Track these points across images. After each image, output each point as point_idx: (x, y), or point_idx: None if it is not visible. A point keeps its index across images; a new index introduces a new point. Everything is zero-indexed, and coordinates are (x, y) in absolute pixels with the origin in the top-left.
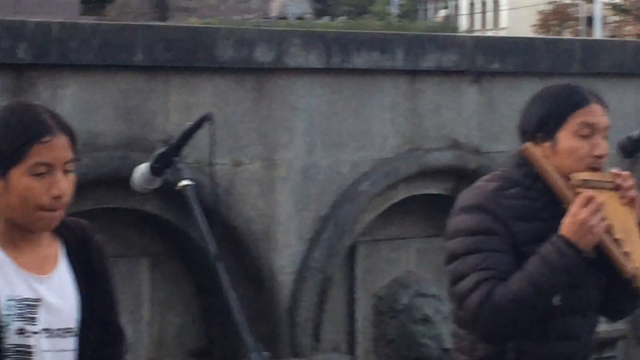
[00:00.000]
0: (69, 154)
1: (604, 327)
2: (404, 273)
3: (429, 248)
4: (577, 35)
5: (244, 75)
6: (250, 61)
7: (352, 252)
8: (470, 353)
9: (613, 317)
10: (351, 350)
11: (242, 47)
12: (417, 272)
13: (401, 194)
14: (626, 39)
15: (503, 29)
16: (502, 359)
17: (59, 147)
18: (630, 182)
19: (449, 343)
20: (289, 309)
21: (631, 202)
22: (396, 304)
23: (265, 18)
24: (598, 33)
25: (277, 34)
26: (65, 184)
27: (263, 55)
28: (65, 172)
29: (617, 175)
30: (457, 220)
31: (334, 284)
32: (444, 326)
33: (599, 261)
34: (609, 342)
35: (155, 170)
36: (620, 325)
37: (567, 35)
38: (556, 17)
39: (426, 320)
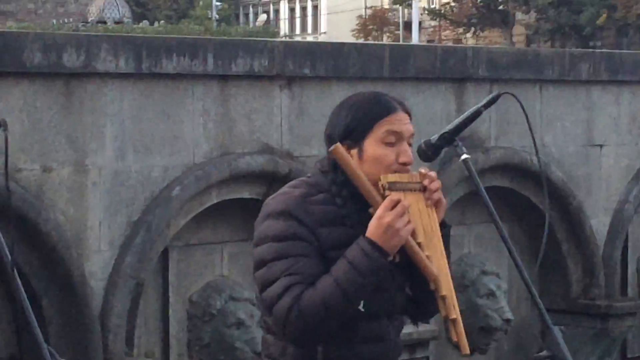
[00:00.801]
0: None
1: (416, 329)
2: (217, 277)
3: (242, 252)
4: (395, 40)
5: (53, 80)
6: (59, 66)
7: (164, 257)
8: (280, 358)
9: (419, 319)
10: (165, 355)
11: (51, 51)
12: (231, 276)
13: (213, 198)
14: (444, 43)
15: (323, 33)
16: None
17: None
18: (436, 184)
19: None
20: (101, 315)
21: (436, 204)
22: (210, 309)
23: (84, 22)
24: (416, 38)
25: (86, 39)
26: None
27: (72, 60)
28: None
29: (424, 176)
30: (263, 227)
31: (146, 290)
32: (258, 330)
33: (403, 264)
34: (421, 343)
35: None
36: (431, 327)
37: (386, 39)
38: (375, 22)
39: (240, 324)
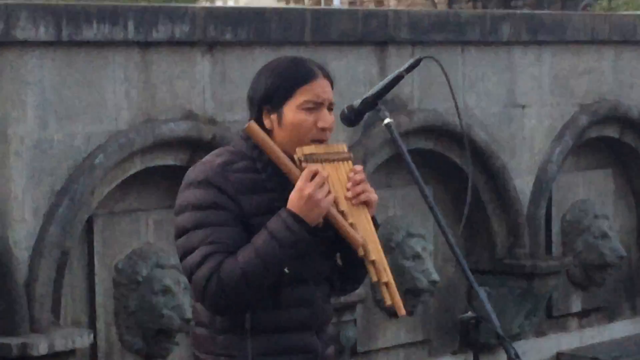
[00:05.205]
0: None
1: None
2: (143, 245)
3: (167, 219)
4: (317, 4)
5: None
6: None
7: (89, 225)
8: (210, 325)
9: (348, 289)
10: (92, 323)
11: None
12: (156, 243)
13: (137, 165)
14: (366, 5)
15: None
16: (240, 328)
17: None
18: (359, 176)
19: (189, 313)
20: (26, 285)
21: (367, 203)
22: (136, 276)
23: None
24: (337, 1)
25: (4, 7)
26: None
27: None
28: None
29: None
30: (184, 195)
31: (72, 258)
32: (185, 297)
33: (330, 232)
34: (349, 307)
35: None
36: (358, 290)
37: (307, 3)
38: None
39: (166, 291)
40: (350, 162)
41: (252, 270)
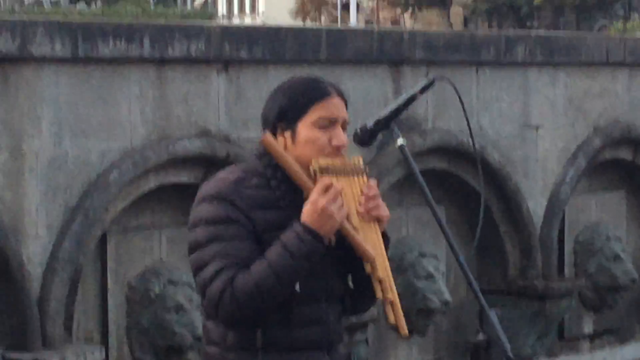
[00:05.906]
0: None
1: None
2: (156, 262)
3: (181, 236)
4: (334, 21)
5: None
6: None
7: (103, 242)
8: (221, 343)
9: (358, 311)
10: (104, 340)
11: None
12: (169, 260)
13: (151, 183)
14: (382, 24)
15: (261, 14)
16: (251, 346)
17: None
18: (373, 191)
19: (201, 330)
20: (39, 301)
21: (378, 219)
22: (148, 293)
23: (21, 5)
24: (354, 18)
25: (21, 23)
26: None
27: (7, 44)
28: None
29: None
30: (197, 210)
31: (85, 275)
32: (197, 314)
33: (343, 252)
34: (360, 326)
35: None
36: (370, 309)
37: (324, 20)
38: (313, 2)
39: (179, 308)
40: (365, 176)
41: (265, 283)
